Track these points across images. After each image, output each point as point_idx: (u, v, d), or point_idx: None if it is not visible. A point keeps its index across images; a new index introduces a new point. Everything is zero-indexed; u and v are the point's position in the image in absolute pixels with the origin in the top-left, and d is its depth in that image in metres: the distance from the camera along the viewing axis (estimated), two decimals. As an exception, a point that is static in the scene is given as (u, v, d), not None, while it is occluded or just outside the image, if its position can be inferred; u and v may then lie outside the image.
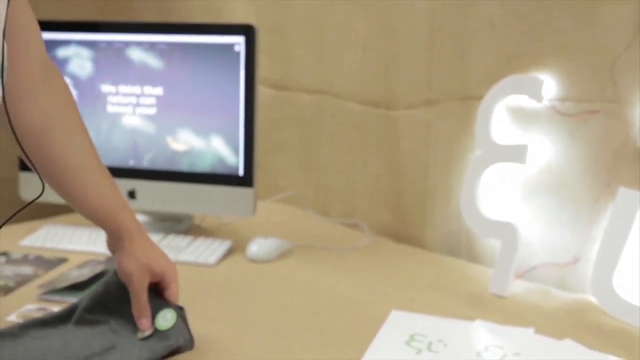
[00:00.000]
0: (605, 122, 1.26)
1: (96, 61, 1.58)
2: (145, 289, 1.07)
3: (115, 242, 1.09)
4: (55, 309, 1.16)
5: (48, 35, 1.58)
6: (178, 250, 1.47)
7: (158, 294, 1.09)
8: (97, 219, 1.09)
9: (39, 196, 0.94)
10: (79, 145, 1.08)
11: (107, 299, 1.10)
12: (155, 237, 1.45)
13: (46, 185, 0.98)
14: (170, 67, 1.54)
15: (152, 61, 1.55)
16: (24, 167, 1.61)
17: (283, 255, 1.49)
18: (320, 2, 1.65)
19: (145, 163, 1.57)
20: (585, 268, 1.29)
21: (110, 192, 1.09)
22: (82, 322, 1.10)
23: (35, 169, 0.98)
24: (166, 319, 1.06)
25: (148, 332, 1.06)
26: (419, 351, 1.09)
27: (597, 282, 1.24)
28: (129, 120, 1.58)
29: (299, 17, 1.73)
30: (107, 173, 1.10)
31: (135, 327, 1.07)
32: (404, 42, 1.52)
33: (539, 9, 1.31)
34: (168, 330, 1.06)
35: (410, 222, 1.59)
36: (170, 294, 1.08)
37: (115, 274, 1.09)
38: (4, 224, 0.97)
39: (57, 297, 1.24)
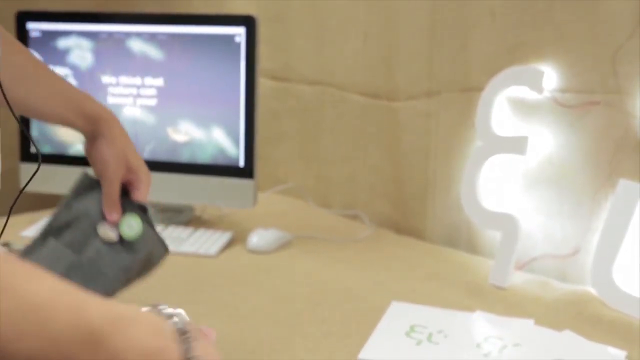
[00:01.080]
0: (606, 114, 1.26)
1: (97, 52, 1.58)
2: (119, 180, 1.00)
3: (91, 138, 1.02)
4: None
5: (48, 26, 1.58)
6: (179, 241, 1.47)
7: (126, 195, 1.02)
8: (68, 118, 1.01)
9: (37, 170, 0.96)
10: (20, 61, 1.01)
11: (75, 201, 1.00)
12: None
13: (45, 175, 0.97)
14: (170, 58, 1.54)
15: (153, 52, 1.55)
16: (24, 158, 1.61)
17: (283, 246, 1.49)
18: (320, -8, 1.65)
19: (146, 154, 1.57)
20: (585, 259, 1.30)
21: (69, 87, 1.04)
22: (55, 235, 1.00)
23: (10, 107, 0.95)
24: (131, 226, 0.98)
25: (113, 236, 0.97)
26: (419, 342, 1.09)
27: (597, 274, 1.24)
28: (129, 111, 1.58)
29: (300, 7, 1.72)
30: (55, 74, 1.05)
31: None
32: (405, 33, 1.52)
33: (539, -1, 1.31)
34: (135, 239, 0.98)
35: (411, 213, 1.59)
36: (139, 194, 1.02)
37: (86, 175, 1.02)
38: (9, 216, 0.97)
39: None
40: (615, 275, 1.22)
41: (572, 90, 1.30)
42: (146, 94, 1.56)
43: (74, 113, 1.00)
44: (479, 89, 1.39)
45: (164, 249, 1.03)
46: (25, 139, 1.61)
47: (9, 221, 1.00)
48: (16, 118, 0.97)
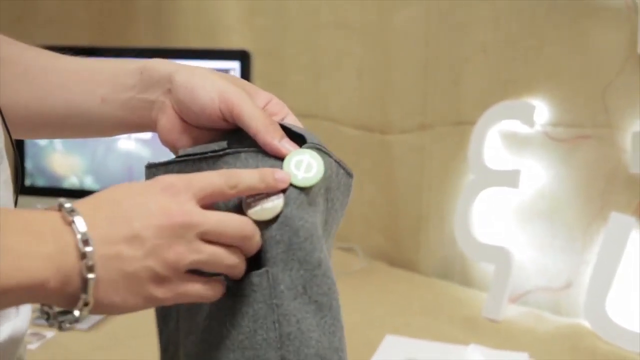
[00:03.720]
0: (597, 148, 1.28)
1: (92, 86, 1.58)
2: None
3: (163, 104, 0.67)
4: (49, 334, 1.16)
5: (44, 60, 1.59)
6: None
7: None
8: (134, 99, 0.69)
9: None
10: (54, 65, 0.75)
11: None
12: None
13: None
14: (165, 92, 1.55)
15: (148, 86, 1.56)
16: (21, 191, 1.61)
17: (277, 279, 1.49)
18: (316, 27, 1.67)
19: (140, 187, 1.57)
20: (579, 293, 1.30)
21: (120, 63, 0.72)
22: None
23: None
24: (310, 165, 0.61)
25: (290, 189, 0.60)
26: (413, 376, 1.09)
27: (590, 307, 1.24)
28: (124, 145, 1.58)
29: (295, 42, 1.74)
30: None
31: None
32: (399, 68, 1.53)
33: (530, 34, 1.33)
34: (315, 184, 0.60)
35: (405, 246, 1.60)
36: (256, 132, 0.63)
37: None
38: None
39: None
40: (608, 308, 1.22)
41: (563, 124, 1.31)
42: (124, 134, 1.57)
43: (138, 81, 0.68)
44: (472, 122, 1.40)
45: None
46: (22, 172, 1.61)
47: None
48: (11, 141, 0.73)
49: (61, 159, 1.62)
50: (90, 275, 0.50)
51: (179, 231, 0.53)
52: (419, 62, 1.50)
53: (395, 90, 1.55)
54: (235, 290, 0.59)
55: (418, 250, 1.57)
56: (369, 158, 1.62)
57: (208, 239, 0.55)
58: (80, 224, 0.50)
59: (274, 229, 0.58)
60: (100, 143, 1.59)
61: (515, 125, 1.36)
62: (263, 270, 0.58)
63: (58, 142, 1.62)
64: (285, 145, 0.62)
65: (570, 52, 1.29)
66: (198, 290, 0.56)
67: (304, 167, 0.61)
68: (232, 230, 0.56)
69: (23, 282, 0.48)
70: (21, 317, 0.65)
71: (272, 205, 0.59)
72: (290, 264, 0.58)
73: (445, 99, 1.47)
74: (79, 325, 1.24)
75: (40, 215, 0.51)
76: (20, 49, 0.74)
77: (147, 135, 1.57)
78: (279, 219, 0.59)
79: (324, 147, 0.64)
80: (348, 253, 1.68)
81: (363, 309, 1.35)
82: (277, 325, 0.57)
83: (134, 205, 0.53)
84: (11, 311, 0.64)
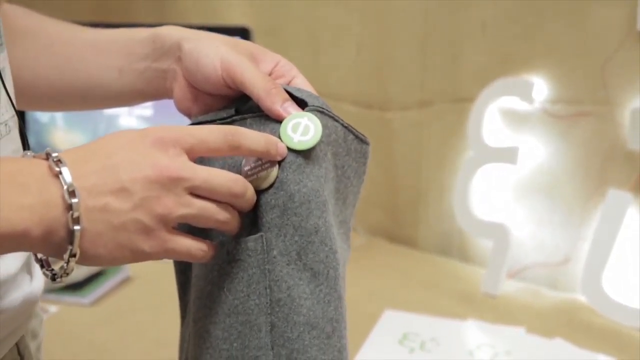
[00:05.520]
0: (595, 124, 1.28)
1: (92, 62, 1.59)
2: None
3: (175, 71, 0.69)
4: (53, 309, 1.17)
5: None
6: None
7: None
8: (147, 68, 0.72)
9: None
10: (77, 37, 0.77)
11: None
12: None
13: None
14: (166, 69, 1.55)
15: (148, 63, 1.56)
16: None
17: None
18: (315, 3, 1.66)
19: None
20: (576, 268, 1.31)
21: (134, 32, 0.77)
22: None
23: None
24: (307, 128, 0.59)
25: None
26: (411, 350, 1.10)
27: (587, 282, 1.25)
28: (125, 122, 1.59)
29: (295, 18, 1.74)
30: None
31: None
32: (398, 44, 1.53)
33: (530, 11, 1.33)
34: (311, 147, 0.59)
35: (404, 222, 1.61)
36: (258, 98, 0.62)
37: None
38: None
39: (55, 297, 1.25)
40: (605, 283, 1.23)
41: (562, 101, 1.32)
42: (142, 104, 1.57)
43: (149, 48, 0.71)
44: (471, 99, 1.41)
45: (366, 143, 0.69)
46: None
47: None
48: (17, 113, 0.71)
49: (63, 135, 1.63)
50: (76, 227, 0.50)
51: (168, 185, 0.53)
52: (417, 39, 1.50)
53: (394, 66, 1.55)
54: (234, 255, 0.58)
55: (417, 226, 1.58)
56: (368, 135, 1.62)
57: (198, 194, 0.54)
58: (66, 175, 0.50)
59: (269, 193, 0.58)
60: (101, 120, 1.60)
61: (514, 102, 1.36)
62: (258, 235, 0.58)
63: (60, 119, 1.62)
64: (288, 109, 0.61)
65: (570, 28, 1.29)
66: (188, 247, 0.55)
67: (300, 130, 0.59)
68: (221, 186, 0.55)
69: (4, 231, 0.48)
70: (35, 284, 0.67)
71: (267, 174, 0.59)
72: (284, 229, 0.57)
73: (444, 75, 1.48)
74: (82, 300, 1.25)
75: (27, 165, 0.51)
76: (40, 21, 0.76)
77: (149, 112, 1.57)
78: (275, 184, 0.58)
79: (328, 110, 0.62)
80: (348, 229, 1.69)
81: (362, 284, 1.36)
82: (268, 291, 0.57)
83: (123, 158, 0.52)
84: (25, 280, 0.64)
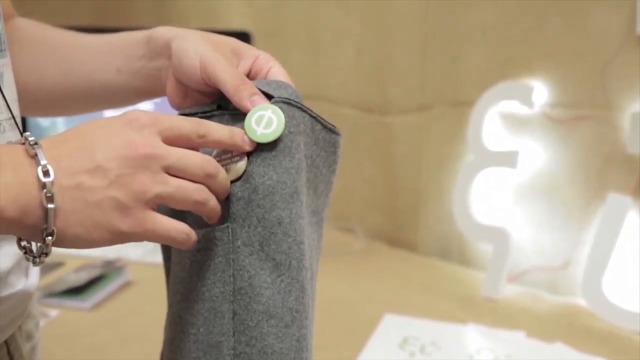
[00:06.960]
0: (595, 128, 1.28)
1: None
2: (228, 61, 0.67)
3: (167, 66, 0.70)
4: (53, 313, 1.17)
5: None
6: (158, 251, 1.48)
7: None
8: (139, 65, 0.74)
9: None
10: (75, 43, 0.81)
11: None
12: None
13: None
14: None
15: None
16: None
17: (278, 259, 1.50)
18: (315, 5, 1.67)
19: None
20: (576, 272, 1.31)
21: (130, 35, 0.78)
22: None
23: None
24: (270, 121, 0.61)
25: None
26: (412, 354, 1.10)
27: (587, 286, 1.25)
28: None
29: (295, 21, 1.74)
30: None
31: None
32: (398, 46, 1.54)
33: (529, 14, 1.33)
34: (273, 140, 0.60)
35: (404, 226, 1.61)
36: (229, 95, 0.64)
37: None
38: None
39: (55, 301, 1.25)
40: (605, 287, 1.23)
41: (561, 105, 1.32)
42: (142, 106, 1.57)
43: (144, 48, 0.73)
44: (470, 103, 1.41)
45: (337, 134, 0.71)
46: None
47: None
48: (17, 126, 0.73)
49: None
50: (50, 205, 0.50)
51: (143, 162, 0.53)
52: (417, 42, 1.50)
53: (394, 69, 1.55)
54: (203, 243, 0.60)
55: (417, 230, 1.58)
56: (369, 138, 1.63)
57: (173, 173, 0.55)
58: (41, 156, 0.51)
59: (237, 185, 0.60)
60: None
61: (514, 106, 1.36)
62: (225, 225, 0.59)
63: (61, 123, 1.62)
64: (255, 102, 0.62)
65: (569, 32, 1.29)
66: (168, 228, 0.55)
67: (264, 122, 0.60)
68: (194, 165, 0.56)
69: None
70: (30, 281, 0.68)
71: (236, 167, 0.60)
72: (248, 221, 0.59)
73: (444, 77, 1.48)
74: (82, 305, 1.25)
75: (4, 148, 0.52)
76: (45, 30, 0.81)
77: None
78: (242, 176, 0.60)
79: (296, 101, 0.64)
80: (348, 233, 1.69)
81: (362, 288, 1.36)
82: (232, 279, 0.59)
83: (98, 138, 0.53)
84: (20, 278, 0.65)
